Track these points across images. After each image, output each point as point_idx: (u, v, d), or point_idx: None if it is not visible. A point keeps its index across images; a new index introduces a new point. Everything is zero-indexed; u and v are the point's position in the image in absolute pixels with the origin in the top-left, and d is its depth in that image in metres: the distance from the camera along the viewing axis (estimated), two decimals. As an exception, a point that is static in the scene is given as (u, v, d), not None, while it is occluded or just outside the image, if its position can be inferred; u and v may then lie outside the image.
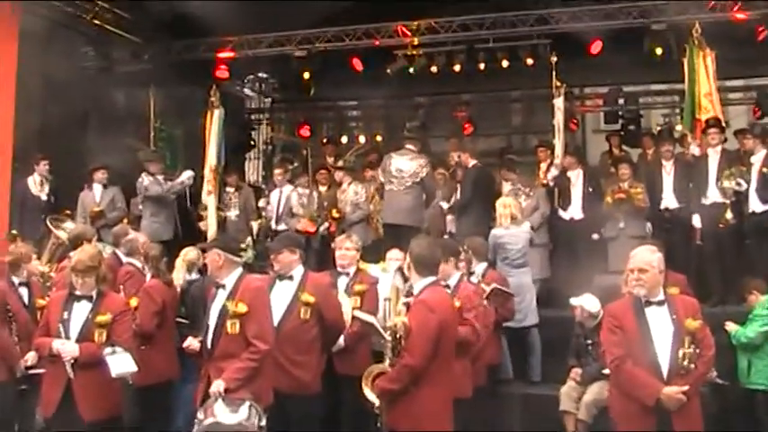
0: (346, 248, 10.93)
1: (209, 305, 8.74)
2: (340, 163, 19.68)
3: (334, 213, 16.31)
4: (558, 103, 16.90)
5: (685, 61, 15.61)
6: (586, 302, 11.50)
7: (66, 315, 9.01)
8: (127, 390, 10.04)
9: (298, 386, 9.28)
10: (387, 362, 7.71)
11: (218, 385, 8.12)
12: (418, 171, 15.47)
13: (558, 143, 16.67)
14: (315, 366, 9.62)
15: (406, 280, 8.10)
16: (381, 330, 7.90)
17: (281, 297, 9.50)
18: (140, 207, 16.85)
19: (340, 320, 9.90)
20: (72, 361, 8.79)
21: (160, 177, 16.76)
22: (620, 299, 8.41)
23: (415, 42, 18.39)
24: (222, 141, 17.61)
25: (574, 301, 11.66)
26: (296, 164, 20.07)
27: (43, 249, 13.40)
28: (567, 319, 12.04)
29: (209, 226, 16.72)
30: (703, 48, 15.46)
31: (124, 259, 11.88)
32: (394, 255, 11.34)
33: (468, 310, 9.46)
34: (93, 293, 9.09)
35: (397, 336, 7.55)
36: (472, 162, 16.65)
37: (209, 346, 8.58)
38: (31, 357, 9.93)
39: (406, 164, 15.49)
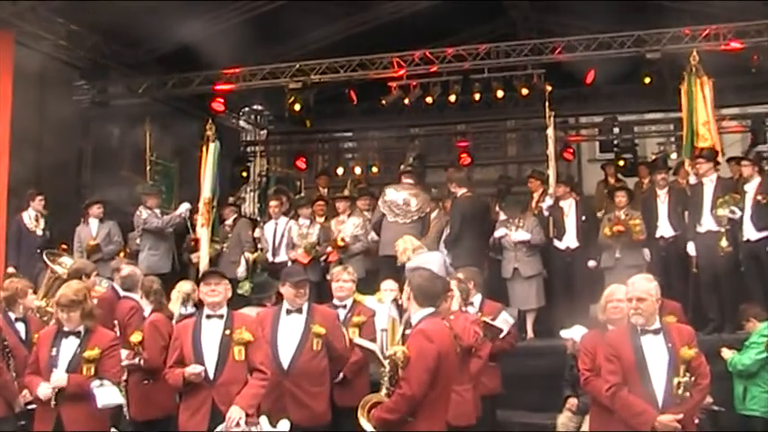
0: (344, 280, 10.97)
1: (199, 335, 8.83)
2: (346, 192, 19.66)
3: (340, 242, 16.27)
4: (550, 132, 16.95)
5: (683, 90, 15.64)
6: (577, 334, 11.46)
7: (54, 351, 9.01)
8: (128, 425, 10.08)
9: (313, 417, 9.45)
10: (383, 391, 7.70)
11: (237, 411, 8.34)
12: (425, 207, 15.73)
13: (551, 172, 16.70)
14: (326, 397, 9.78)
15: (401, 311, 8.13)
16: (382, 358, 7.91)
17: (291, 330, 9.63)
18: (138, 241, 16.88)
19: (346, 351, 9.97)
20: (56, 391, 8.79)
21: (157, 211, 16.82)
22: (617, 328, 8.47)
23: (409, 73, 18.44)
24: (217, 174, 17.59)
25: (564, 333, 11.60)
26: (302, 194, 20.14)
27: (40, 284, 13.38)
28: (562, 348, 12.01)
29: (201, 258, 16.64)
30: (701, 76, 15.51)
31: (122, 293, 11.87)
32: (388, 285, 11.33)
33: (474, 343, 9.53)
34: (81, 329, 9.06)
35: (396, 365, 7.55)
36: (461, 191, 16.55)
37: (210, 374, 8.65)
38: (28, 393, 9.95)
39: (410, 198, 15.65)
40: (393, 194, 16.10)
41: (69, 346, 9.01)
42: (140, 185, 18.06)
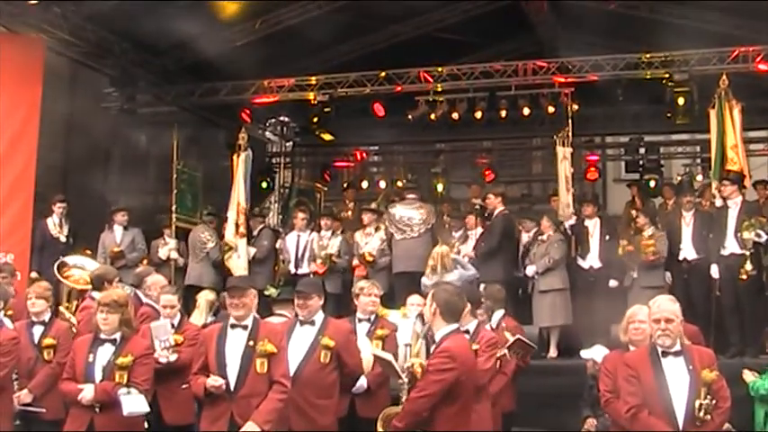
0: (375, 295, 11.02)
1: (223, 345, 8.74)
2: (373, 205, 19.64)
3: (368, 257, 16.23)
4: (559, 150, 17.04)
5: (712, 112, 15.63)
6: (597, 354, 11.40)
7: (90, 358, 9.02)
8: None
9: (314, 428, 9.28)
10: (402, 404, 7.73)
11: (253, 428, 8.23)
12: (428, 218, 15.83)
13: (561, 191, 16.82)
14: (333, 410, 9.60)
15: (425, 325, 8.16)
16: (398, 370, 7.94)
17: (301, 341, 9.50)
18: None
19: (359, 366, 9.92)
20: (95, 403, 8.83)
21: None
22: (637, 349, 8.44)
23: (438, 89, 18.44)
24: (249, 183, 17.67)
25: (584, 354, 11.55)
26: (338, 207, 20.26)
27: (60, 291, 13.45)
28: (582, 367, 11.96)
29: (238, 268, 16.67)
30: (730, 99, 15.50)
31: (144, 300, 11.94)
32: (415, 300, 11.31)
33: (485, 355, 9.51)
34: (117, 336, 9.08)
35: (414, 377, 7.58)
36: (500, 208, 16.60)
37: (231, 386, 8.56)
38: (23, 394, 10.12)
39: (413, 212, 15.79)
40: (396, 212, 16.27)
41: (105, 353, 9.04)
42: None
